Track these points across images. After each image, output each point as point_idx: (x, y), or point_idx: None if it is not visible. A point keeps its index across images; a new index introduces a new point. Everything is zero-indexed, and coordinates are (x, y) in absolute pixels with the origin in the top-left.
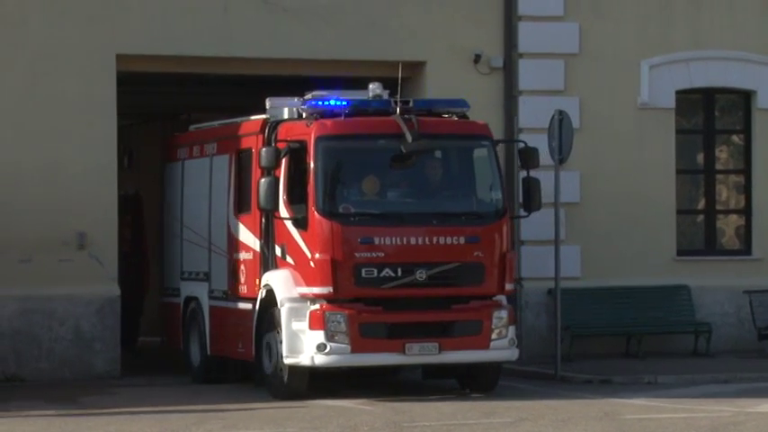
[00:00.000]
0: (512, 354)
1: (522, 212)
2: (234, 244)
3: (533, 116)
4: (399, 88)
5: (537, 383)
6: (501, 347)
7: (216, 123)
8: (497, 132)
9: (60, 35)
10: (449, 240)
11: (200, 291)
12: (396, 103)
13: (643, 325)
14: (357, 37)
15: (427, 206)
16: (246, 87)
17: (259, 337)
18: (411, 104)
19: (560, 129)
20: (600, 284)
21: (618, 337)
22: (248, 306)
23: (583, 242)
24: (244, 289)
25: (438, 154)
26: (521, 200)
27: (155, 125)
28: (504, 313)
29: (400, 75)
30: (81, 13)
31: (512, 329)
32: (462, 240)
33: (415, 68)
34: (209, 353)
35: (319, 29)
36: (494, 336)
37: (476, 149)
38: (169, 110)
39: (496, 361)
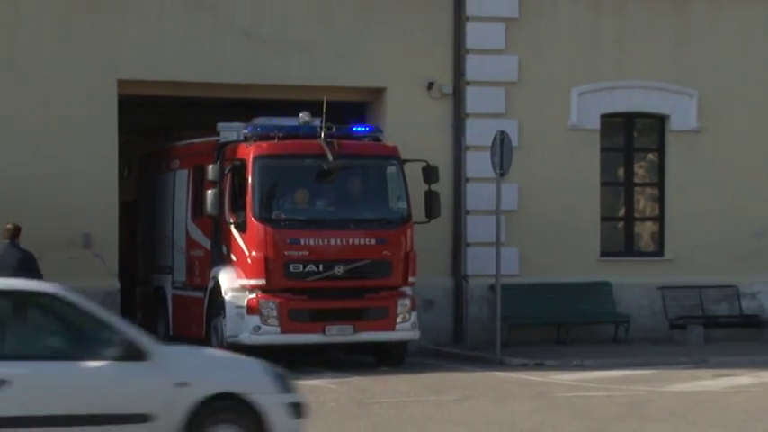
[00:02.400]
0: (414, 334)
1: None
2: (190, 243)
3: (478, 136)
4: (324, 116)
5: (480, 366)
6: (405, 329)
7: (181, 143)
8: (447, 150)
9: (69, 63)
10: (362, 241)
11: (165, 282)
12: (321, 128)
13: (571, 316)
14: (326, 66)
15: (345, 213)
16: (231, 108)
17: (209, 320)
18: (334, 130)
19: (501, 147)
20: (534, 281)
21: (549, 327)
22: (200, 294)
23: (520, 244)
24: (197, 280)
25: (354, 171)
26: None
27: (150, 141)
28: (407, 301)
29: (325, 104)
30: (86, 44)
31: (414, 314)
32: (373, 241)
33: (376, 94)
34: (171, 333)
35: (293, 58)
36: (399, 319)
37: (386, 167)
38: (163, 127)
39: (401, 340)
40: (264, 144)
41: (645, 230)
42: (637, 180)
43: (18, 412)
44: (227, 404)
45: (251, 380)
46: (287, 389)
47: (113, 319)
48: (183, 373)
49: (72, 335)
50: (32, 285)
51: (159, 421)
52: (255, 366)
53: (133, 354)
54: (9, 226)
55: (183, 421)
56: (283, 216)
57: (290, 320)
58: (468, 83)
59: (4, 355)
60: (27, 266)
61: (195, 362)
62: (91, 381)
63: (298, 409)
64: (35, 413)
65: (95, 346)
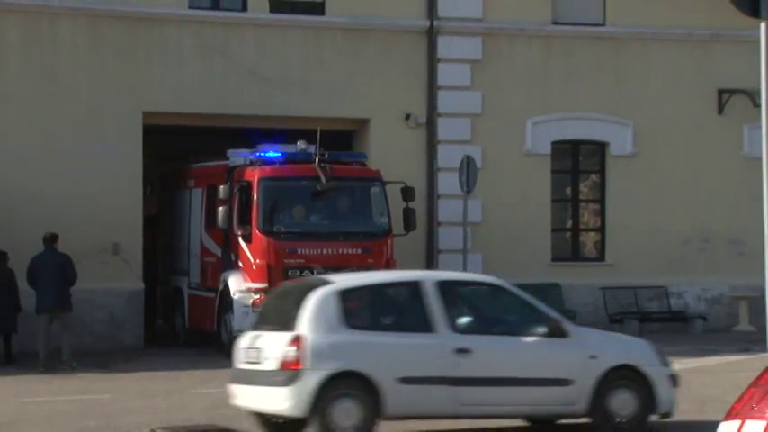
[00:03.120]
0: None
1: (402, 232)
2: (204, 251)
3: (448, 159)
4: (318, 144)
5: None
6: None
7: (196, 166)
8: (422, 172)
9: (101, 97)
10: (350, 251)
11: (182, 283)
12: (316, 154)
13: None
14: (319, 100)
15: (335, 227)
16: (238, 136)
17: (219, 316)
18: (326, 156)
19: (468, 169)
20: None
21: None
22: (212, 294)
23: (484, 251)
24: (210, 282)
25: (343, 191)
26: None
27: (170, 163)
28: None
29: (319, 134)
30: (117, 81)
31: None
32: (359, 251)
33: (362, 124)
34: (187, 326)
35: (291, 94)
36: None
37: (370, 188)
38: (181, 152)
39: None
40: (267, 168)
41: (589, 239)
42: (581, 197)
43: (478, 374)
44: (624, 373)
45: (643, 355)
46: (667, 363)
47: (542, 305)
48: (594, 349)
49: (513, 316)
50: (482, 278)
51: (576, 385)
52: (645, 344)
53: (558, 332)
54: (47, 234)
55: (593, 386)
56: (283, 229)
57: None
58: (439, 114)
59: (469, 330)
60: (63, 268)
61: (602, 340)
62: (529, 352)
63: (675, 380)
64: (490, 375)
65: (530, 325)
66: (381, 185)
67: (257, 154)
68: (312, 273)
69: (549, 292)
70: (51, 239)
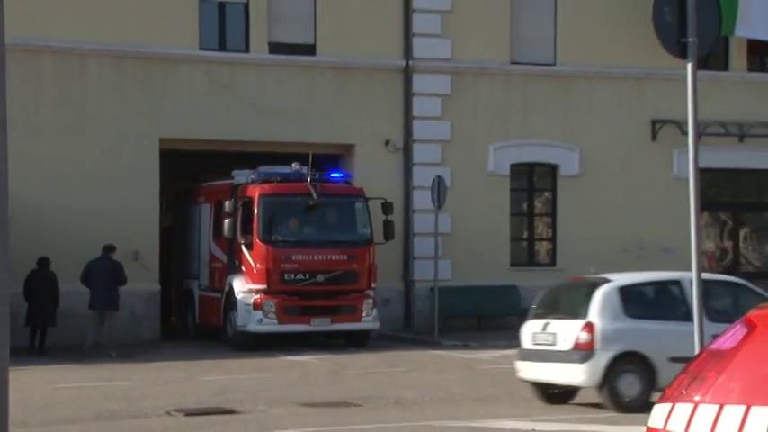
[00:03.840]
0: (375, 324)
1: (382, 241)
2: (212, 257)
3: (422, 179)
4: (310, 165)
5: (423, 346)
6: (368, 321)
7: (205, 184)
8: (399, 190)
9: (124, 125)
10: (337, 257)
11: (193, 285)
12: (308, 175)
13: (489, 310)
14: (311, 128)
15: (325, 236)
16: (241, 159)
17: (225, 313)
18: (317, 176)
19: (438, 187)
20: (462, 284)
21: (473, 318)
22: (219, 295)
23: (452, 258)
24: (217, 284)
25: (332, 206)
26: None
27: (182, 182)
28: (370, 300)
29: (311, 157)
30: (137, 111)
31: (375, 310)
32: (345, 257)
33: (348, 149)
34: (197, 322)
35: (287, 122)
36: (364, 314)
37: (355, 203)
38: (192, 172)
39: (365, 329)
40: (266, 186)
41: (542, 248)
42: (536, 211)
43: None
44: None
45: None
46: None
47: None
48: None
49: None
50: (728, 278)
51: None
52: None
53: None
54: (106, 244)
55: None
56: (280, 238)
57: (284, 314)
58: (414, 141)
59: (721, 319)
60: (114, 273)
61: None
62: None
63: None
64: None
65: None
66: (364, 201)
67: (257, 174)
68: (305, 276)
69: (507, 292)
70: (108, 249)
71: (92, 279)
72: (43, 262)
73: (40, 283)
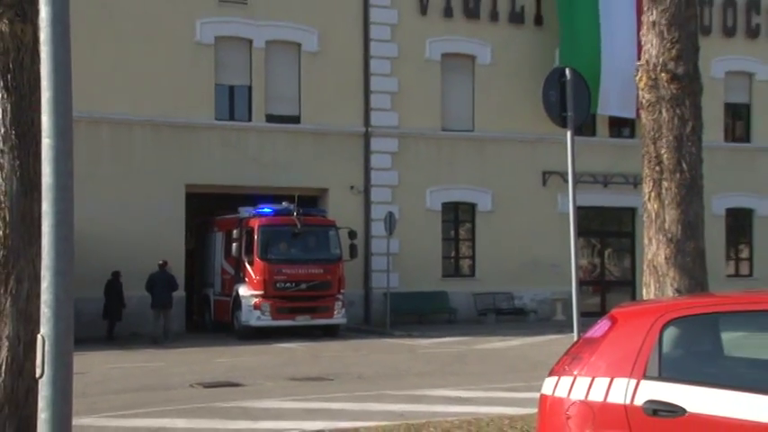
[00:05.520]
0: (343, 320)
1: (347, 258)
2: (223, 271)
3: (378, 214)
4: (296, 204)
5: (378, 336)
6: (338, 317)
7: (219, 217)
8: (362, 222)
9: (159, 175)
10: (315, 270)
11: (210, 292)
12: (294, 210)
13: (427, 310)
14: (296, 176)
15: (306, 255)
16: (246, 199)
17: (233, 312)
18: (300, 211)
19: (390, 220)
20: (407, 290)
21: (415, 315)
22: (228, 299)
23: (399, 271)
24: (227, 291)
25: (311, 233)
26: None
27: (202, 216)
28: (339, 303)
29: (297, 200)
30: (168, 162)
31: (343, 309)
32: (321, 270)
33: (324, 191)
34: (213, 319)
35: (280, 173)
36: (335, 312)
37: (329, 231)
38: (209, 209)
39: (336, 323)
40: (264, 218)
41: (465, 264)
42: (460, 237)
43: None
44: None
45: None
46: None
47: None
48: None
49: None
50: None
51: None
52: None
53: None
54: (161, 261)
55: None
56: (273, 257)
57: (276, 313)
58: (372, 186)
59: None
60: (169, 282)
61: None
62: None
63: None
64: None
65: None
66: (335, 230)
67: (257, 210)
68: (292, 285)
69: (439, 296)
70: (163, 264)
71: (153, 287)
72: (115, 274)
73: (113, 290)
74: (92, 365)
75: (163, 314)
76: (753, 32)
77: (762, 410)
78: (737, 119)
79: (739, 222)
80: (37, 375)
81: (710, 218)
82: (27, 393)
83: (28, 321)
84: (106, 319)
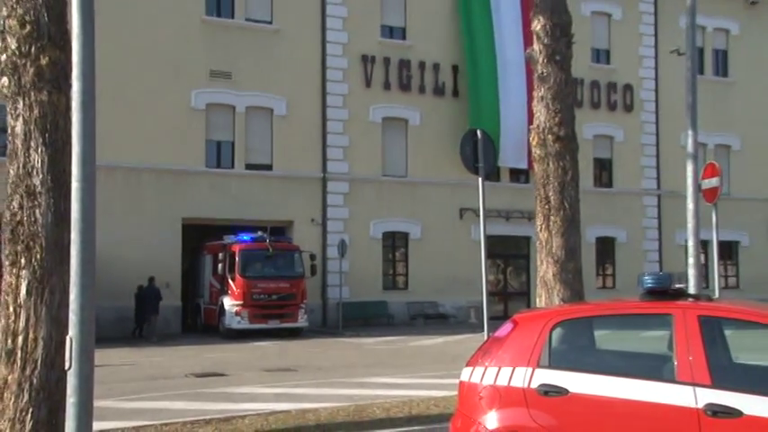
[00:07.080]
0: (305, 324)
1: (309, 275)
2: (211, 285)
3: (333, 241)
4: (268, 233)
5: (332, 336)
6: (302, 322)
7: (208, 243)
8: (319, 246)
9: (160, 211)
10: (283, 285)
11: (201, 302)
12: (267, 238)
13: (370, 315)
14: (269, 212)
15: (276, 273)
16: (228, 229)
17: (218, 318)
18: (272, 238)
19: (342, 245)
20: (355, 300)
21: (361, 319)
22: (215, 307)
23: (350, 285)
24: (214, 301)
25: (281, 256)
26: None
27: (195, 242)
28: (303, 310)
29: (269, 229)
30: (169, 203)
31: (306, 315)
32: (288, 285)
33: (290, 223)
34: (203, 323)
35: (256, 209)
36: (299, 318)
37: (294, 254)
38: (201, 237)
39: (300, 327)
40: (243, 244)
41: (400, 279)
42: (396, 259)
43: None
44: None
45: None
46: None
47: None
48: None
49: None
50: None
51: None
52: None
53: None
54: (150, 276)
55: None
56: (251, 275)
57: (253, 318)
58: (328, 219)
59: None
60: (157, 293)
61: None
62: None
63: None
64: None
65: None
66: (299, 253)
67: (238, 237)
68: (266, 296)
69: (380, 305)
70: (151, 279)
71: (144, 297)
72: (143, 288)
73: (148, 296)
74: (108, 359)
75: (152, 319)
76: (612, 106)
77: (625, 389)
78: (603, 170)
79: (605, 247)
80: (66, 368)
81: (585, 244)
82: (57, 382)
83: (59, 325)
84: (137, 322)
